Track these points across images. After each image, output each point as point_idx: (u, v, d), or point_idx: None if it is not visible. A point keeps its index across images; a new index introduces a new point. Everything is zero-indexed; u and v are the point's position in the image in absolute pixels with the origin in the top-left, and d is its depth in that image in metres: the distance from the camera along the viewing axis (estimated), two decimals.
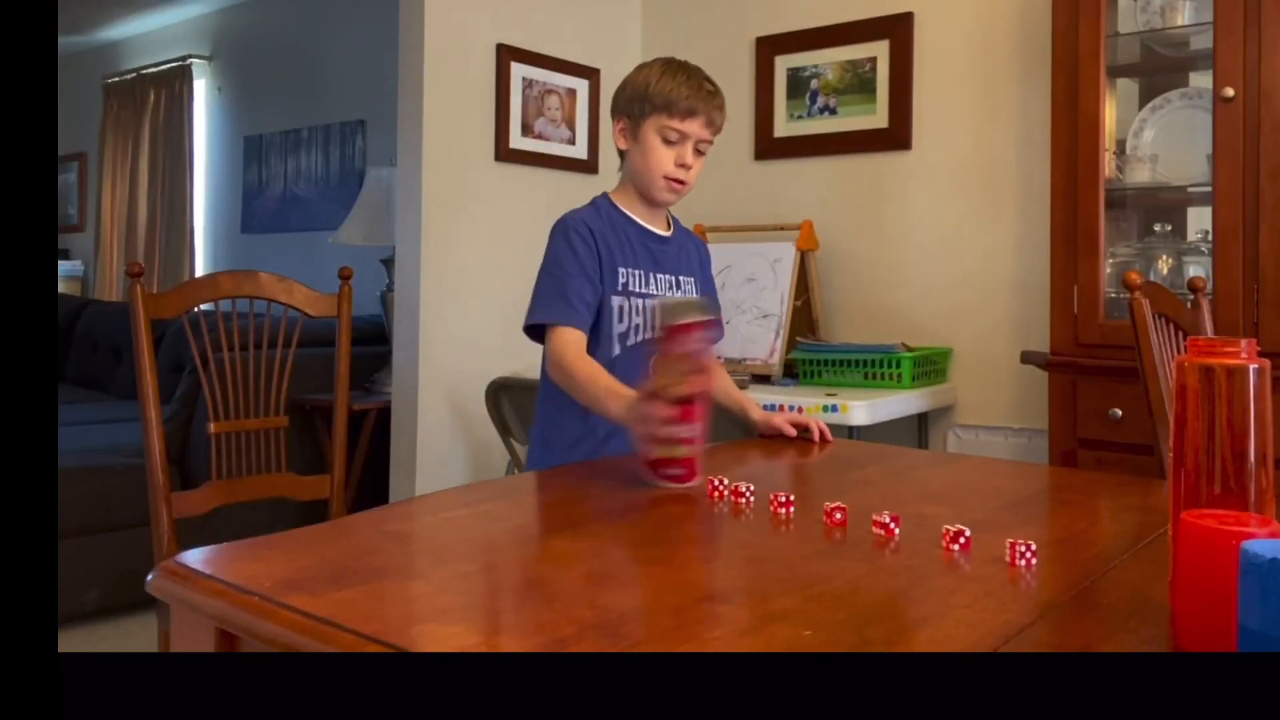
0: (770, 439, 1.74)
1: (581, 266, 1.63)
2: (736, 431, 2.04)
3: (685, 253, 1.81)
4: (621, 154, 1.75)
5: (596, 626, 0.79)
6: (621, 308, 1.67)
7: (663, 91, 1.65)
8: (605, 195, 1.77)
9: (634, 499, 1.33)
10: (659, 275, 1.73)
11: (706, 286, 1.86)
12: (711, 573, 0.96)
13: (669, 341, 1.26)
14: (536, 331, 1.64)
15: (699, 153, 1.69)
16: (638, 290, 1.70)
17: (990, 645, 0.77)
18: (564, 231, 1.67)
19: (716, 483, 1.26)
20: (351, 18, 4.86)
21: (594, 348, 1.65)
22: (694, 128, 1.66)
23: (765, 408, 1.84)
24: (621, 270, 1.68)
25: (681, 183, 1.69)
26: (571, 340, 1.58)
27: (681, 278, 1.77)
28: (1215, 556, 0.72)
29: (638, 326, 1.69)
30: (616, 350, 1.66)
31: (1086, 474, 1.90)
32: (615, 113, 1.74)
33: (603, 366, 1.62)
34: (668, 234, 1.78)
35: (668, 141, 1.66)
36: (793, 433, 1.74)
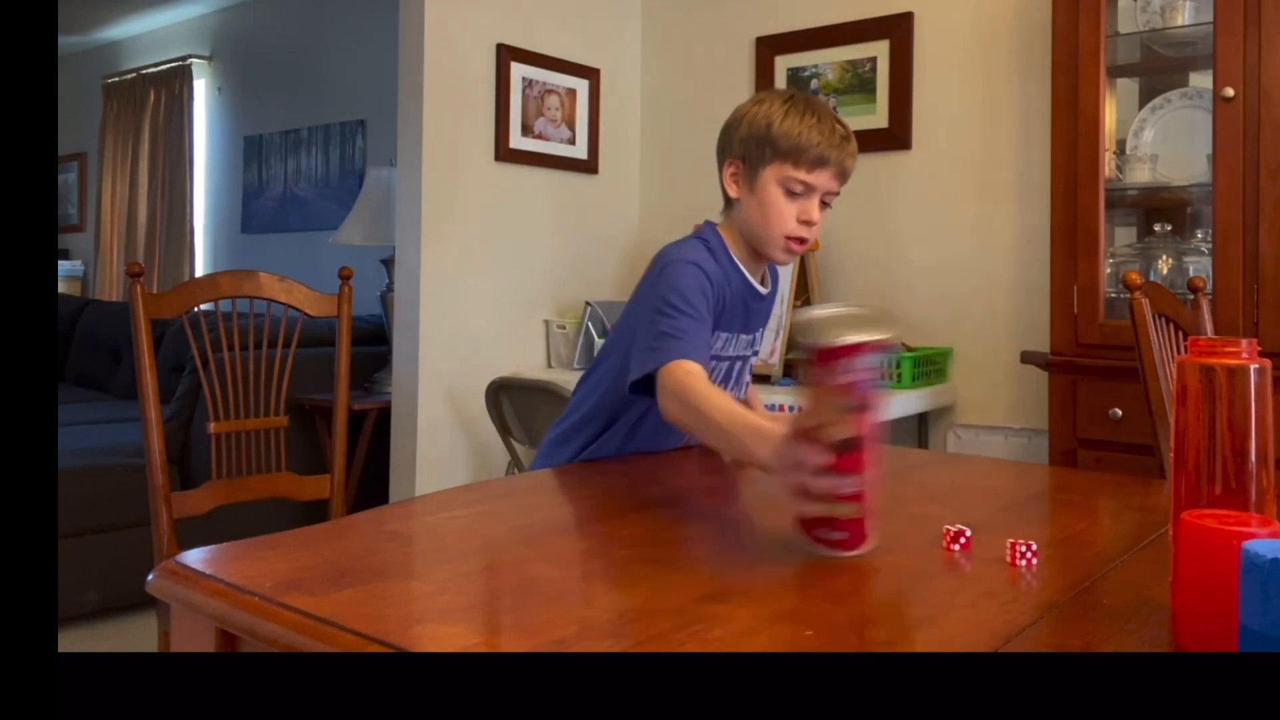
0: None
1: (708, 319, 1.42)
2: None
3: (770, 302, 1.62)
4: (728, 198, 1.53)
5: (596, 626, 0.79)
6: None
7: (789, 135, 1.43)
8: (718, 235, 1.53)
9: (634, 499, 1.33)
10: (742, 336, 1.56)
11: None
12: (712, 573, 0.96)
13: (825, 369, 0.95)
14: (648, 381, 1.36)
15: (825, 205, 1.48)
16: (719, 352, 1.52)
17: (991, 645, 0.77)
18: (695, 271, 1.43)
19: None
20: (351, 18, 4.86)
21: (625, 404, 1.51)
22: (823, 179, 1.45)
23: (766, 408, 1.83)
24: (718, 333, 1.49)
25: (803, 241, 1.48)
26: (698, 370, 1.31)
27: (759, 333, 1.61)
28: (1216, 557, 0.72)
29: None
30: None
31: (1087, 474, 1.90)
32: (726, 153, 1.51)
33: (624, 423, 1.48)
34: (766, 290, 1.58)
35: (791, 194, 1.45)
36: None
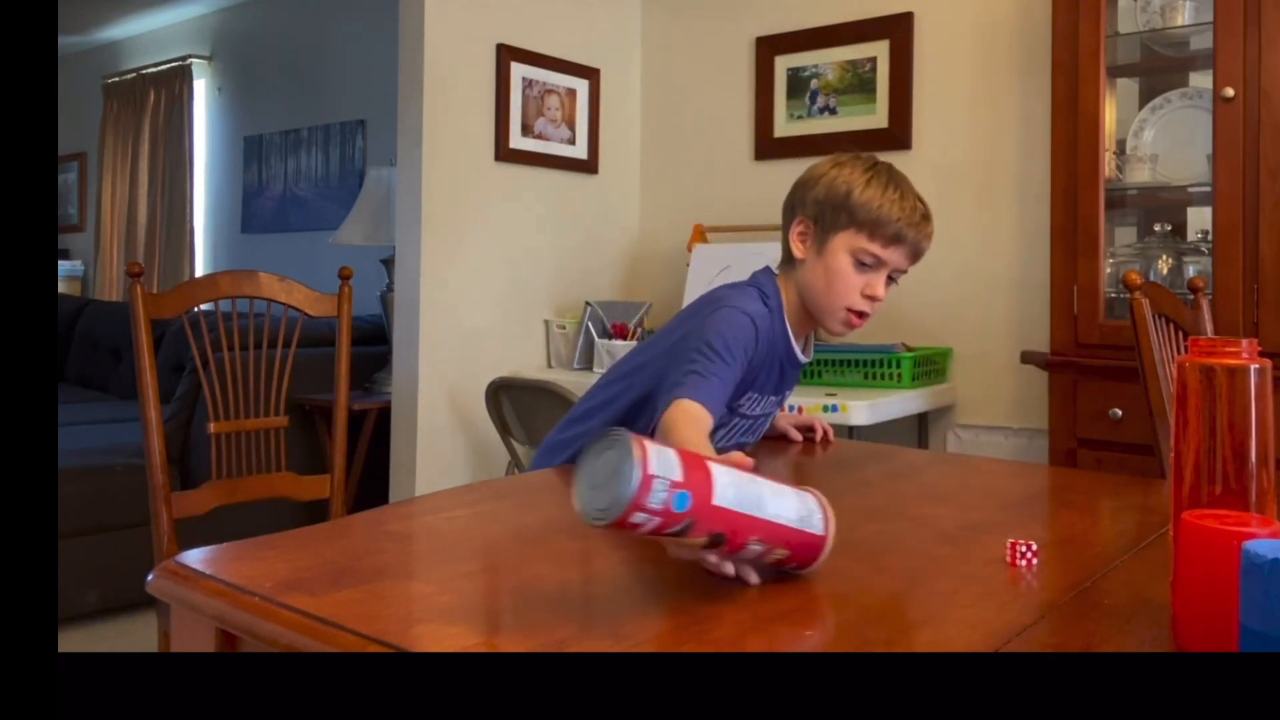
0: (774, 439, 1.75)
1: (740, 374, 1.39)
2: None
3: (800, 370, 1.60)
4: (791, 256, 1.49)
5: (596, 626, 0.79)
6: (722, 420, 1.45)
7: (868, 205, 1.39)
8: (777, 290, 1.49)
9: None
10: (772, 397, 1.54)
11: None
12: (712, 573, 0.96)
13: (629, 531, 0.80)
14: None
15: (891, 280, 1.44)
16: (745, 411, 1.51)
17: (991, 645, 0.77)
18: (749, 326, 1.41)
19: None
20: (351, 18, 4.86)
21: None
22: (896, 256, 1.41)
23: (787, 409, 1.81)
24: (749, 393, 1.48)
25: (864, 315, 1.45)
26: (699, 413, 1.28)
27: (787, 393, 1.59)
28: (1216, 557, 0.72)
29: (717, 438, 1.49)
30: None
31: (1087, 474, 1.90)
32: (796, 211, 1.47)
33: None
34: (806, 358, 1.55)
35: (861, 264, 1.41)
36: (798, 437, 1.70)
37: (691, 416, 1.26)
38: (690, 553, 0.86)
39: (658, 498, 0.78)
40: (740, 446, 1.59)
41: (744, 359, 1.39)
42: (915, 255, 1.44)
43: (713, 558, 0.87)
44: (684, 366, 1.35)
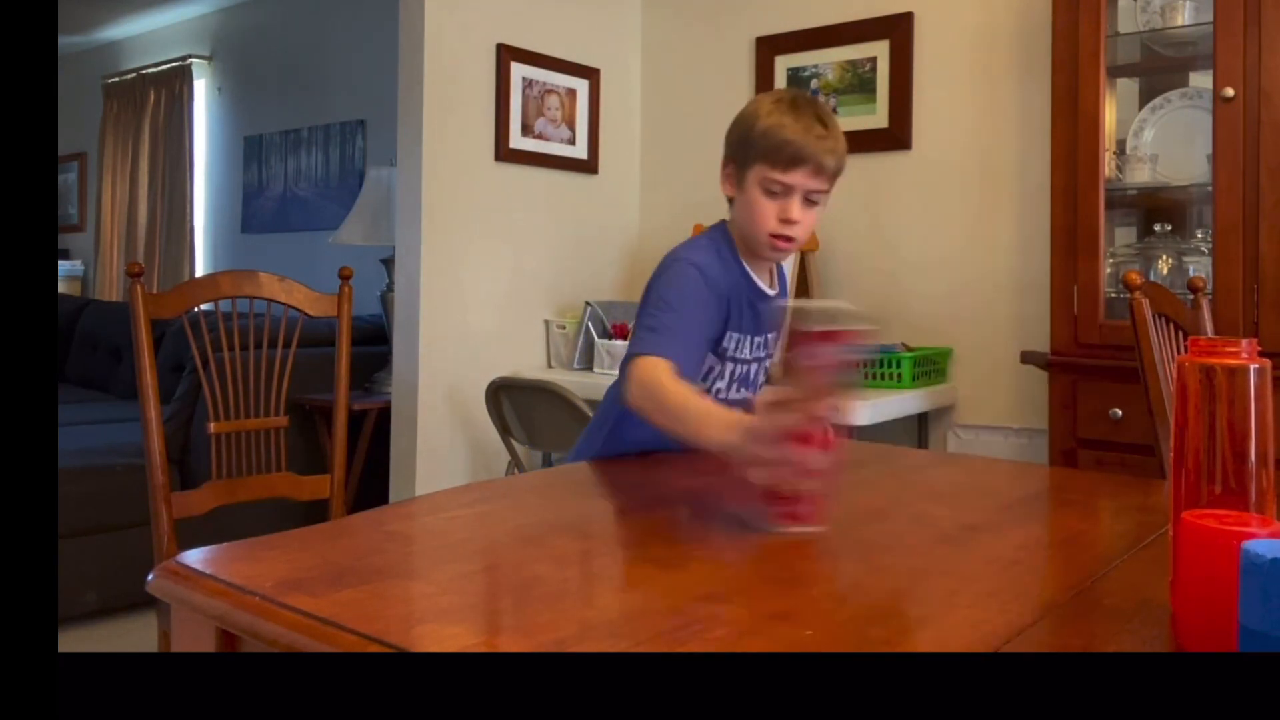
0: None
1: (700, 320, 1.45)
2: None
3: (778, 302, 1.63)
4: (729, 198, 1.56)
5: (596, 626, 0.79)
6: (711, 368, 1.53)
7: (766, 134, 1.44)
8: (728, 234, 1.55)
9: (634, 499, 1.33)
10: (757, 338, 1.57)
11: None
12: (711, 573, 0.96)
13: (803, 351, 1.01)
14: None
15: (811, 203, 1.47)
16: (734, 355, 1.54)
17: (991, 645, 0.77)
18: (693, 273, 1.46)
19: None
20: (351, 18, 4.86)
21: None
22: (799, 178, 1.44)
23: None
24: (730, 334, 1.52)
25: (789, 239, 1.48)
26: (664, 365, 1.34)
27: (772, 335, 1.60)
28: (1216, 557, 0.72)
29: (718, 390, 1.55)
30: None
31: (1086, 474, 1.90)
32: (725, 154, 1.54)
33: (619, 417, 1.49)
34: (774, 291, 1.59)
35: (770, 193, 1.46)
36: None
37: (660, 369, 1.33)
38: (783, 426, 1.01)
39: (843, 352, 0.99)
40: (744, 404, 1.60)
41: (697, 305, 1.44)
42: (820, 172, 1.45)
43: (786, 441, 1.01)
44: (638, 325, 1.43)
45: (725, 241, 1.54)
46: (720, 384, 1.56)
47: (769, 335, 1.60)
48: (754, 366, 1.60)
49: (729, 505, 1.17)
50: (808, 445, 1.01)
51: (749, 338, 1.55)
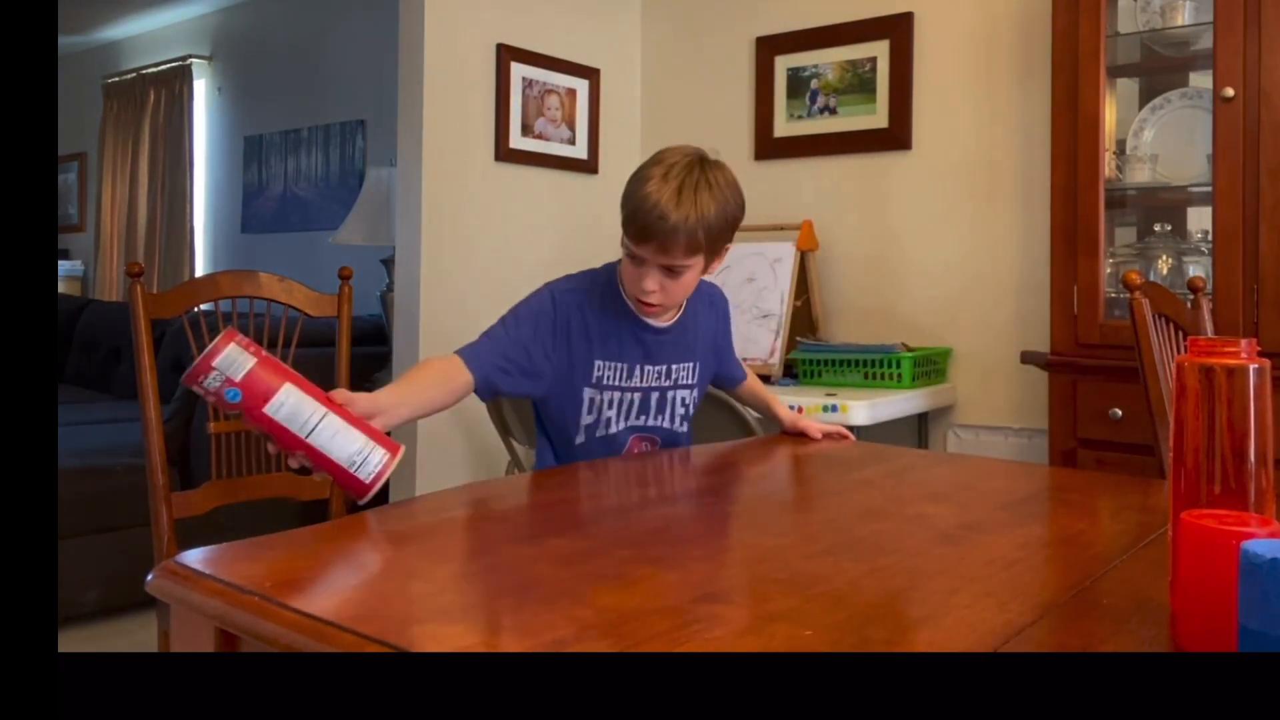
0: (793, 436, 1.77)
1: (527, 337, 1.50)
2: (737, 431, 2.04)
3: (691, 335, 1.65)
4: None
5: (596, 626, 0.79)
6: (592, 400, 1.56)
7: (626, 203, 1.45)
8: (612, 271, 1.59)
9: (634, 499, 1.33)
10: (648, 367, 1.59)
11: (716, 359, 1.74)
12: (711, 573, 0.96)
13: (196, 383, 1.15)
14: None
15: (674, 273, 1.47)
16: (614, 383, 1.57)
17: (990, 645, 0.77)
18: (546, 301, 1.53)
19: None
20: (351, 18, 4.86)
21: (556, 433, 1.59)
22: (648, 252, 1.44)
23: (789, 408, 1.87)
24: (599, 363, 1.55)
25: (650, 306, 1.51)
26: (452, 361, 1.45)
27: (676, 365, 1.63)
28: (1215, 556, 0.72)
29: (609, 420, 1.58)
30: (580, 439, 1.58)
31: (1086, 474, 1.90)
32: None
33: (563, 451, 1.58)
34: (668, 325, 1.60)
35: (631, 257, 1.48)
36: (819, 435, 1.75)
37: (436, 362, 1.44)
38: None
39: (211, 384, 1.11)
40: (658, 431, 1.64)
41: (533, 327, 1.51)
42: (669, 250, 1.42)
43: (271, 448, 1.16)
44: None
45: (606, 277, 1.58)
46: (610, 413, 1.58)
47: (672, 365, 1.62)
48: (655, 395, 1.62)
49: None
50: (285, 446, 1.15)
51: (637, 365, 1.57)
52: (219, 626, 0.85)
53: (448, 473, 3.00)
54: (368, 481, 1.16)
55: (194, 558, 0.93)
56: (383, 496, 3.15)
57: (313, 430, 1.14)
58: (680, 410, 1.67)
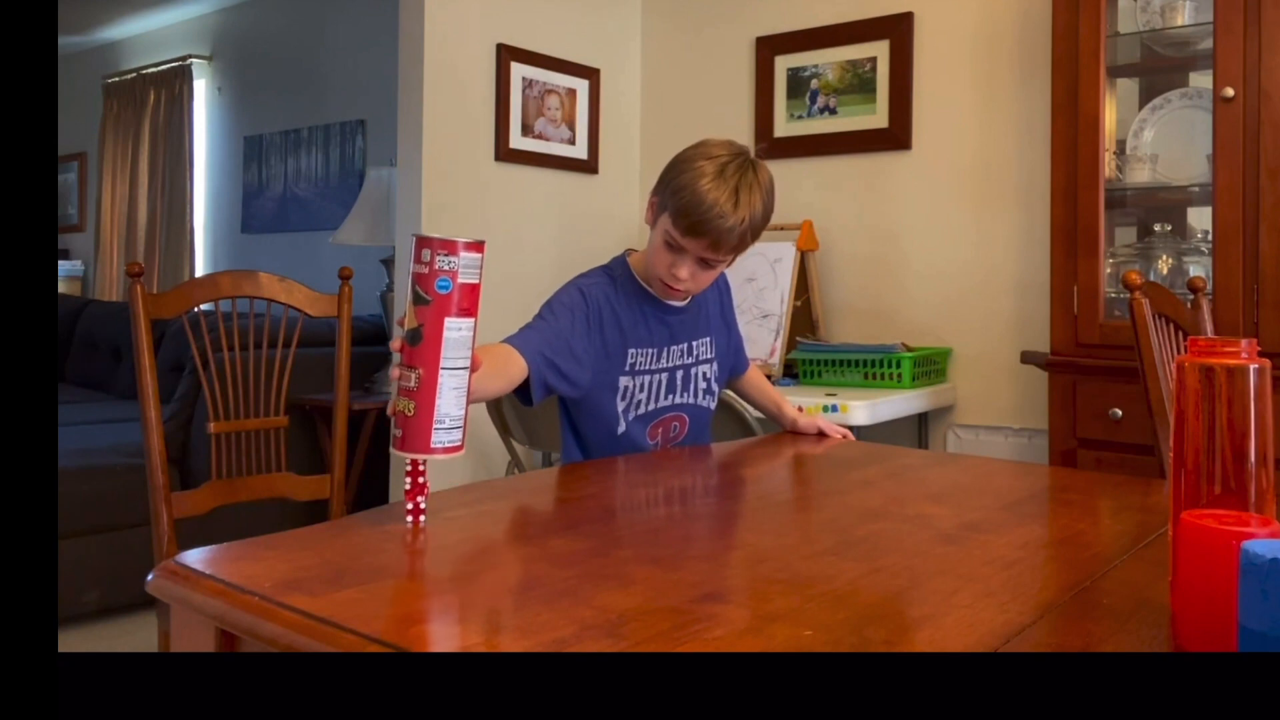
0: (793, 436, 1.80)
1: (567, 327, 1.52)
2: (737, 430, 2.04)
3: (703, 311, 1.71)
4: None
5: (596, 626, 0.79)
6: (627, 387, 1.61)
7: (681, 193, 1.49)
8: (626, 260, 1.66)
9: (633, 499, 1.33)
10: (673, 347, 1.66)
11: (727, 331, 1.79)
12: (711, 573, 0.96)
13: (414, 259, 1.08)
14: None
15: (709, 265, 1.55)
16: (647, 368, 1.63)
17: (990, 645, 0.77)
18: (577, 295, 1.57)
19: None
20: (351, 18, 4.86)
21: (597, 424, 1.61)
22: (695, 246, 1.51)
23: (796, 409, 1.90)
24: (632, 351, 1.60)
25: (679, 291, 1.58)
26: (502, 347, 1.44)
27: (696, 341, 1.69)
28: (1215, 556, 0.72)
29: (639, 402, 1.63)
30: (622, 427, 1.62)
31: (1086, 474, 1.90)
32: (655, 185, 1.60)
33: (598, 445, 1.62)
34: (682, 303, 1.67)
35: (669, 245, 1.53)
36: (835, 432, 1.80)
37: (497, 347, 1.43)
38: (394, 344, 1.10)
39: (442, 263, 1.05)
40: (685, 409, 1.70)
41: (570, 318, 1.54)
42: (718, 248, 1.51)
43: (395, 372, 1.08)
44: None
45: (621, 268, 1.64)
46: (641, 395, 1.63)
47: (693, 341, 1.69)
48: (679, 372, 1.68)
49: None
50: (410, 362, 1.07)
51: (664, 348, 1.64)
52: (219, 626, 0.85)
53: (448, 473, 3.00)
54: (433, 446, 1.08)
55: (194, 558, 0.93)
56: (383, 496, 3.16)
57: (451, 370, 1.09)
58: (703, 385, 1.72)
